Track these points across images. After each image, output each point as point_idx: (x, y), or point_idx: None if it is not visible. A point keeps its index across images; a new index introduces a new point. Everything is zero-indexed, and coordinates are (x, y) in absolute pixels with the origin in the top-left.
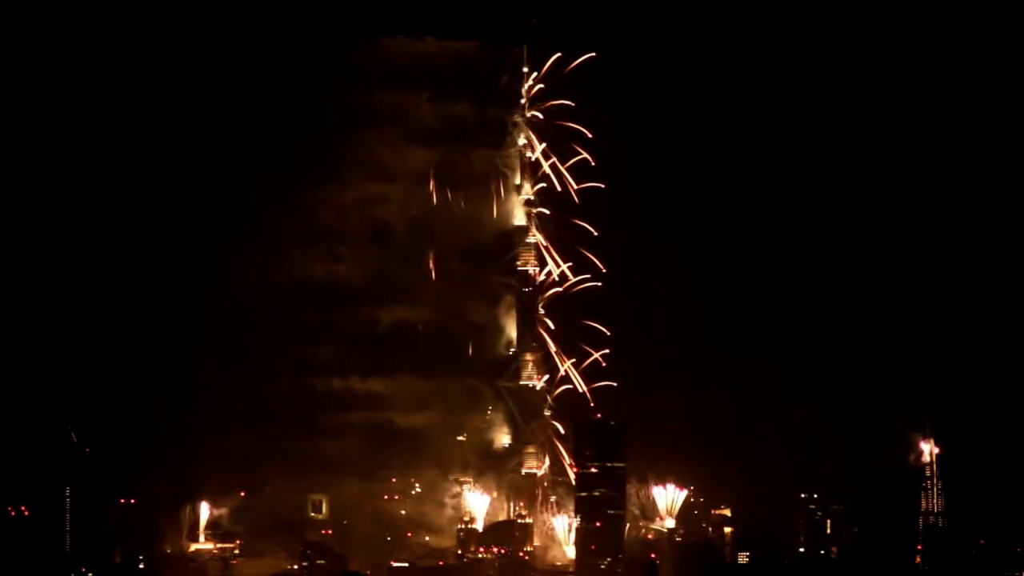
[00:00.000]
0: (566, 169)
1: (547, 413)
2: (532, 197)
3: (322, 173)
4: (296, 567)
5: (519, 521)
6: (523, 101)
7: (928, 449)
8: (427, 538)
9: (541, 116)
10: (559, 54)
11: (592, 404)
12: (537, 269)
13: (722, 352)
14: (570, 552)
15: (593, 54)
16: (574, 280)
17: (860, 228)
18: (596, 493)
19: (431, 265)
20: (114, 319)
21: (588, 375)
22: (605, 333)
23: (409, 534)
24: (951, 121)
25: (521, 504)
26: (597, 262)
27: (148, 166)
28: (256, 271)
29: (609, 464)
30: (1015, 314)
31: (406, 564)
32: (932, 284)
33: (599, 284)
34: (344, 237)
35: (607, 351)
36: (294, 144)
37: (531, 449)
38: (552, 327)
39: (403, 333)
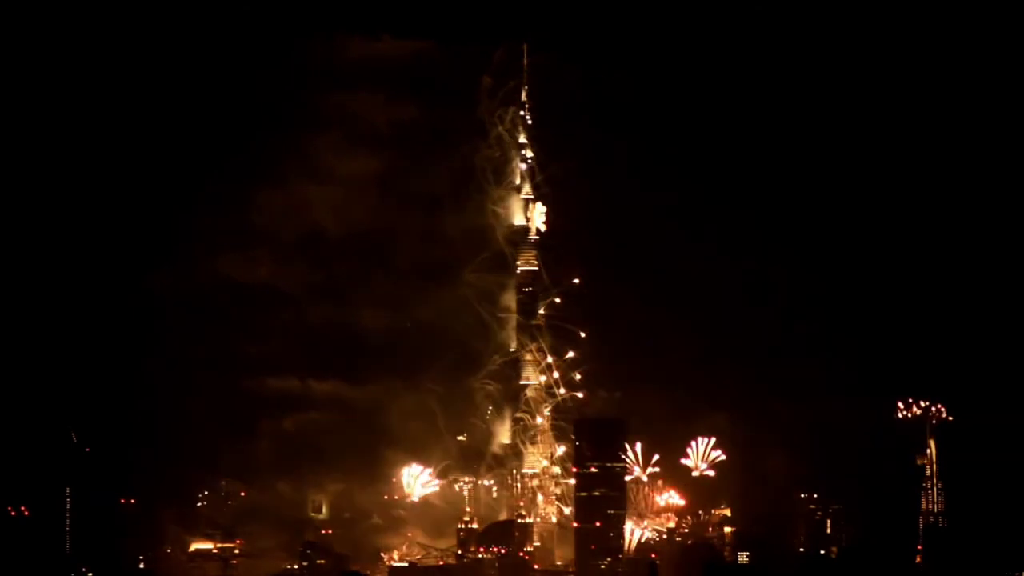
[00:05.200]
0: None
1: (548, 413)
2: (532, 196)
3: (284, 175)
4: (296, 567)
5: (519, 521)
6: (522, 100)
7: (928, 449)
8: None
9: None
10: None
11: (591, 404)
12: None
13: (722, 352)
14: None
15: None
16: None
17: (862, 229)
18: (596, 493)
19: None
20: (111, 318)
21: (586, 375)
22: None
23: (409, 534)
24: (951, 106)
25: (521, 504)
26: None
27: (101, 164)
28: (250, 271)
29: (609, 464)
30: (1015, 314)
31: (406, 564)
32: (933, 284)
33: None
34: (324, 240)
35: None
36: (267, 145)
37: (532, 449)
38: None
39: (392, 337)
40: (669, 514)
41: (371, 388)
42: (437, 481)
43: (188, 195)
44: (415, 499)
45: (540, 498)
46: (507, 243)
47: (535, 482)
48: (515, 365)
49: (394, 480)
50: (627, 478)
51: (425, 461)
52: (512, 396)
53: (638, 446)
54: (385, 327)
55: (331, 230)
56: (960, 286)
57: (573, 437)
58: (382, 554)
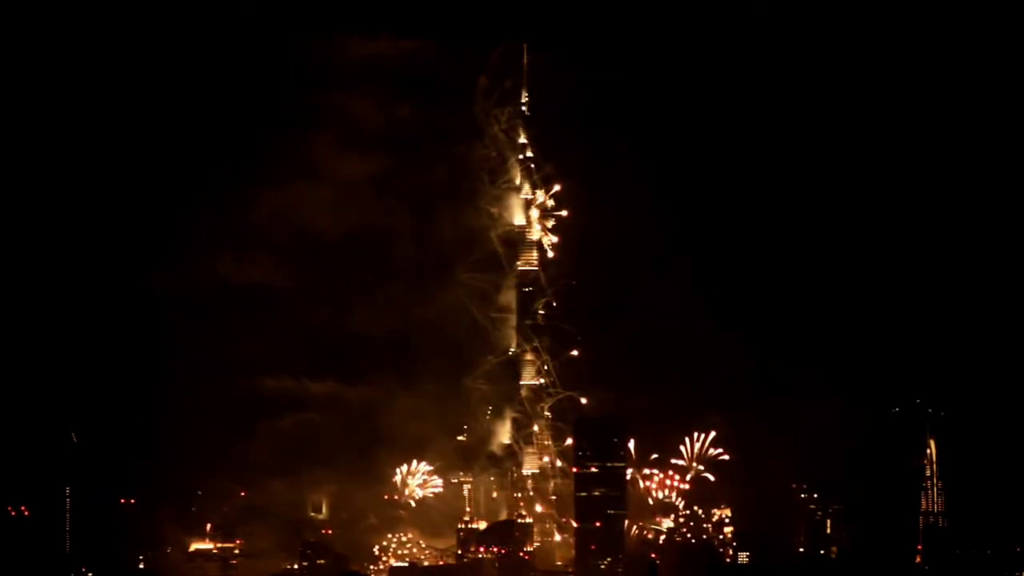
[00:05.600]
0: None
1: (547, 413)
2: (532, 197)
3: (281, 175)
4: (296, 567)
5: (519, 521)
6: (523, 99)
7: (928, 449)
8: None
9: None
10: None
11: (591, 404)
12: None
13: (721, 352)
14: None
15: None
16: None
17: (862, 226)
18: (596, 493)
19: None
20: (111, 318)
21: (585, 375)
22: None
23: (410, 534)
24: (948, 106)
25: (521, 504)
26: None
27: (100, 165)
28: (247, 272)
29: (609, 464)
30: (1015, 313)
31: (406, 564)
32: (933, 283)
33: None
34: (314, 241)
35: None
36: (264, 145)
37: (531, 449)
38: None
39: (390, 337)
40: (679, 501)
41: (368, 388)
42: (439, 480)
43: (187, 196)
44: (414, 499)
45: (539, 498)
46: (501, 243)
47: (534, 482)
48: (514, 365)
49: (394, 480)
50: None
51: (424, 461)
52: (511, 396)
53: (631, 444)
54: (383, 328)
55: (328, 230)
56: (960, 285)
57: (572, 437)
58: (375, 551)
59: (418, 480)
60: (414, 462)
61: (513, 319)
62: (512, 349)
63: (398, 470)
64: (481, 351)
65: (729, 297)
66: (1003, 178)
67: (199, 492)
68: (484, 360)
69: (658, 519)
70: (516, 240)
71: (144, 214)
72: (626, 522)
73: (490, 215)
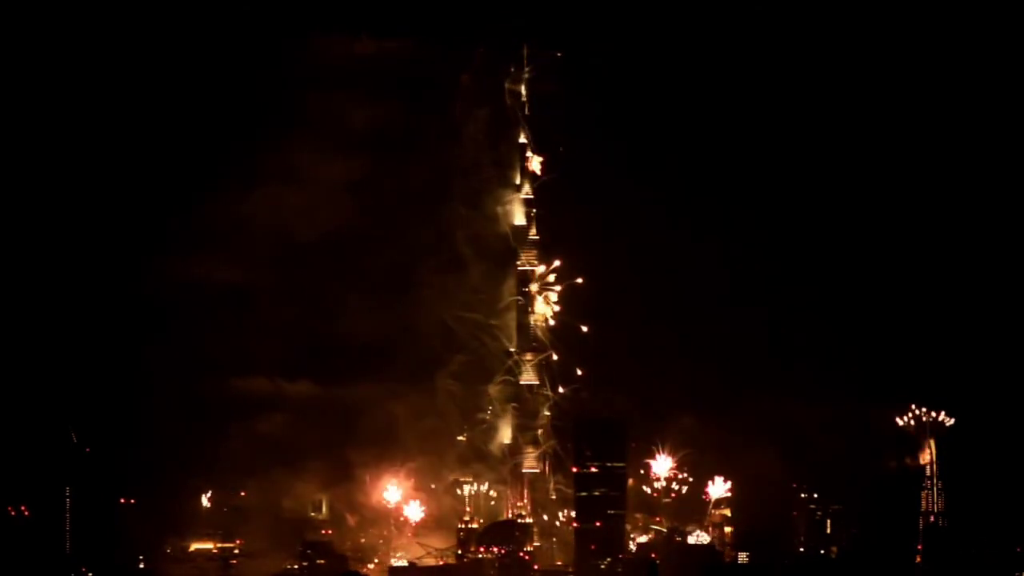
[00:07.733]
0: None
1: (546, 413)
2: (531, 196)
3: (260, 176)
4: (296, 567)
5: (519, 521)
6: (523, 99)
7: (928, 449)
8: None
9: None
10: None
11: (591, 404)
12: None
13: (721, 351)
14: None
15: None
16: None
17: (861, 227)
18: (596, 493)
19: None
20: (111, 319)
21: (586, 375)
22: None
23: (410, 534)
24: (953, 105)
25: (521, 504)
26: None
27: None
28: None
29: (609, 464)
30: (1015, 313)
31: (406, 564)
32: (934, 283)
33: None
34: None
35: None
36: (241, 146)
37: (531, 449)
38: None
39: (390, 339)
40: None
41: (367, 388)
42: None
43: (165, 197)
44: (413, 501)
45: (539, 498)
46: (472, 243)
47: (534, 482)
48: (514, 365)
49: (394, 481)
50: None
51: (423, 461)
52: (511, 396)
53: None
54: (372, 328)
55: (303, 231)
56: (959, 284)
57: (572, 437)
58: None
59: (416, 480)
60: (413, 462)
61: (514, 318)
62: (512, 349)
63: (396, 470)
64: (456, 351)
65: (731, 296)
66: (1004, 175)
67: (198, 492)
68: (453, 359)
69: (658, 519)
70: (516, 240)
71: (127, 216)
72: (626, 522)
73: (461, 215)
